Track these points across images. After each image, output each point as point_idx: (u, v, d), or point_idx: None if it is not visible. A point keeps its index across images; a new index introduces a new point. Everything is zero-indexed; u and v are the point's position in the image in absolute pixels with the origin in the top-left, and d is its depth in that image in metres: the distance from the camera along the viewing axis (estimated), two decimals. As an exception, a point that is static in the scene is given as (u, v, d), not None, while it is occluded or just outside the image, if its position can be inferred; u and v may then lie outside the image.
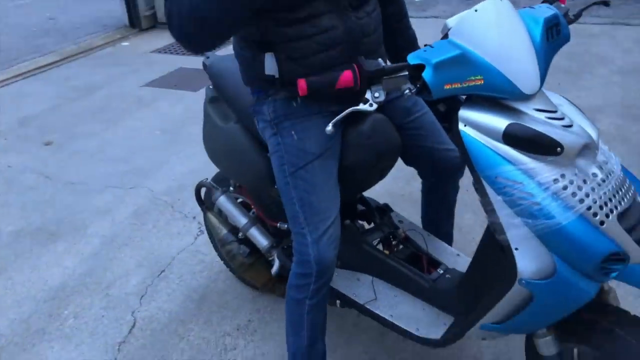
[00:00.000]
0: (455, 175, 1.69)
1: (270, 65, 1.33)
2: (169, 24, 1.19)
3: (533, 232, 1.10)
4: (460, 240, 2.12)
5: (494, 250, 1.24)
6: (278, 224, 1.76)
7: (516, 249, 1.14)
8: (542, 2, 1.33)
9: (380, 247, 1.68)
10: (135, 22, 5.89)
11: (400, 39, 1.58)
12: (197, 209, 2.62)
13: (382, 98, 1.12)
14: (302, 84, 1.10)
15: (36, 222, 2.68)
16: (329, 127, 1.12)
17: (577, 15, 1.34)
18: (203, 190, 1.99)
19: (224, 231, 1.88)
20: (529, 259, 1.13)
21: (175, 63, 4.85)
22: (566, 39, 1.25)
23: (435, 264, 1.62)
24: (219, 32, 1.17)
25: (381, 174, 1.56)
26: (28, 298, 2.19)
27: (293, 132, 1.38)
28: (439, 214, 1.83)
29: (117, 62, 5.02)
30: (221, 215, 1.93)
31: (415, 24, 1.63)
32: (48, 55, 5.19)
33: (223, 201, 1.83)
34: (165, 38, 5.59)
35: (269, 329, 1.96)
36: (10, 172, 3.15)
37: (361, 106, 1.11)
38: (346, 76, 1.11)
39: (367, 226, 1.80)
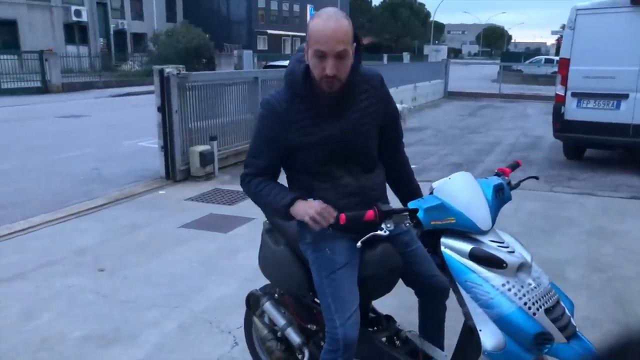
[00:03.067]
0: (442, 296, 2.27)
1: None
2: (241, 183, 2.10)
3: (490, 317, 1.71)
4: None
5: (466, 335, 1.82)
6: (308, 325, 2.33)
7: (480, 330, 1.73)
8: (494, 175, 2.08)
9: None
10: (171, 175, 6.82)
11: (405, 188, 2.28)
12: (233, 325, 3.18)
13: (392, 228, 1.80)
14: (343, 216, 1.79)
15: (97, 330, 3.20)
16: (359, 244, 1.79)
17: (517, 185, 2.08)
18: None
19: (265, 331, 2.42)
20: (488, 337, 1.72)
21: (206, 210, 5.62)
22: (508, 198, 1.97)
23: (428, 357, 2.16)
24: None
25: (388, 287, 2.17)
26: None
27: (327, 249, 2.04)
28: (431, 325, 2.39)
29: (156, 206, 5.81)
30: (263, 318, 2.49)
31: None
32: (97, 199, 6.01)
33: (268, 306, 2.41)
34: (196, 189, 6.46)
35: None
36: (71, 291, 3.72)
37: (379, 232, 1.79)
38: (370, 213, 1.80)
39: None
